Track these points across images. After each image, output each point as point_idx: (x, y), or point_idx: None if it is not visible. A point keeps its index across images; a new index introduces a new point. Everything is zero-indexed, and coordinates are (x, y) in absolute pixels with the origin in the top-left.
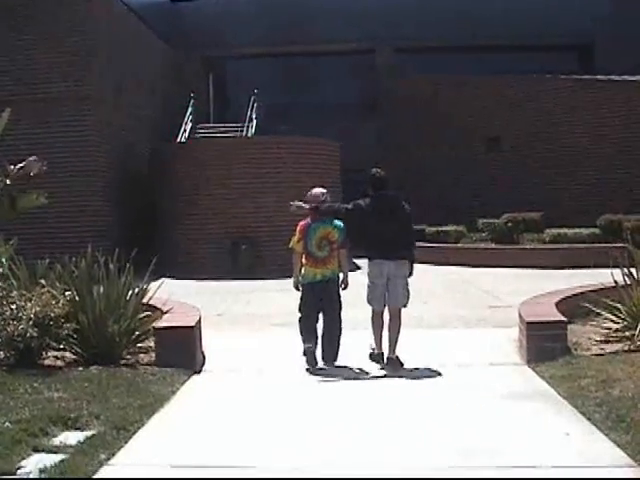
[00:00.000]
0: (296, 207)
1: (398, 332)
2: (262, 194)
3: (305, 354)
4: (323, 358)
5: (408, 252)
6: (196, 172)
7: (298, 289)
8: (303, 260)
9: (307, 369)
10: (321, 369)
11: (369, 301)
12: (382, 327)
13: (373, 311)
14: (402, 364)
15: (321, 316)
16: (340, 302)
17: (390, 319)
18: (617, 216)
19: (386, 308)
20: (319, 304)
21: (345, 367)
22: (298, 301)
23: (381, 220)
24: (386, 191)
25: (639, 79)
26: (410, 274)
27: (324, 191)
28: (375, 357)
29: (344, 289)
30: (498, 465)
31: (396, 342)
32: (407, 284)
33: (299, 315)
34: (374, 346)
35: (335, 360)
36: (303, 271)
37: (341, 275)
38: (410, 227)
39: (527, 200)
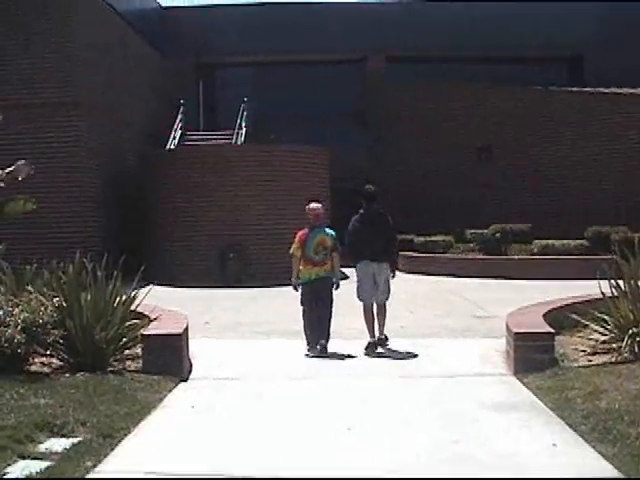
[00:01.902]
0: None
1: (384, 318)
2: (251, 202)
3: (309, 350)
4: (317, 344)
5: (389, 257)
6: (184, 179)
7: (296, 289)
8: (301, 264)
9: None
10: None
11: (359, 297)
12: (373, 319)
13: (364, 306)
14: (387, 338)
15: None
16: (332, 297)
17: (377, 311)
18: (605, 228)
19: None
20: (314, 300)
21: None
22: (297, 301)
23: (369, 231)
24: (374, 206)
25: (627, 91)
26: (393, 275)
27: (320, 205)
28: (369, 346)
29: (336, 288)
30: (484, 475)
31: (383, 325)
32: (388, 282)
33: (302, 308)
34: (371, 339)
35: (327, 340)
36: (301, 273)
37: (335, 274)
38: (392, 237)
39: (516, 211)
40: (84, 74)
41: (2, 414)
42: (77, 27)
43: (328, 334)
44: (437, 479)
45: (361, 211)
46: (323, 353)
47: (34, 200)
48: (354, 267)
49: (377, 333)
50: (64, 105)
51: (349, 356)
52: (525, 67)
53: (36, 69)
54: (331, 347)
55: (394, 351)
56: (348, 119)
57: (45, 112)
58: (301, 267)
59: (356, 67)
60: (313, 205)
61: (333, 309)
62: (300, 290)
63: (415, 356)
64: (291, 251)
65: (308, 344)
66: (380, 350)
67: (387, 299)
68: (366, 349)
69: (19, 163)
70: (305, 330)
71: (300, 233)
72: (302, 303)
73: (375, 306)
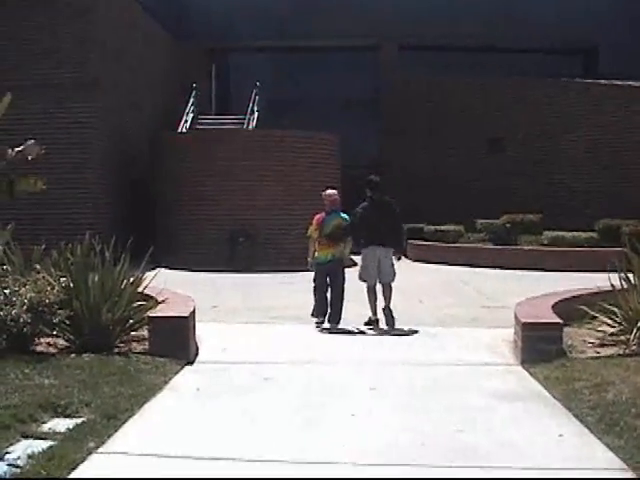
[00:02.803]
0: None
1: (390, 293)
2: (261, 187)
3: (316, 324)
4: (329, 320)
5: (394, 242)
6: (195, 163)
7: (310, 269)
8: (317, 245)
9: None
10: (326, 328)
11: (362, 278)
12: (376, 298)
13: (367, 286)
14: (392, 313)
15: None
16: (344, 277)
17: (383, 289)
18: (615, 221)
19: (378, 284)
20: (327, 278)
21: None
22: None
23: (376, 218)
24: (381, 195)
25: None
26: (399, 258)
27: (335, 192)
28: (371, 322)
29: (345, 266)
30: (490, 465)
31: (390, 298)
32: (393, 265)
33: (313, 285)
34: (372, 316)
35: (339, 322)
36: (317, 253)
37: (345, 255)
38: (397, 224)
39: (527, 202)
40: (98, 55)
41: (6, 393)
42: (93, 8)
43: (340, 316)
44: (439, 478)
45: (367, 199)
46: (336, 323)
47: (45, 180)
48: (358, 253)
49: (384, 305)
50: (78, 86)
51: (357, 342)
52: (539, 58)
53: (49, 50)
54: (339, 334)
55: (402, 339)
56: (360, 107)
57: (59, 93)
58: (317, 249)
59: (369, 55)
60: (330, 192)
61: (345, 289)
62: (315, 269)
63: (423, 344)
64: (308, 233)
65: (317, 316)
66: (381, 326)
67: (392, 280)
68: (367, 324)
69: (29, 142)
70: (315, 305)
71: (317, 217)
72: (314, 281)
73: (380, 286)
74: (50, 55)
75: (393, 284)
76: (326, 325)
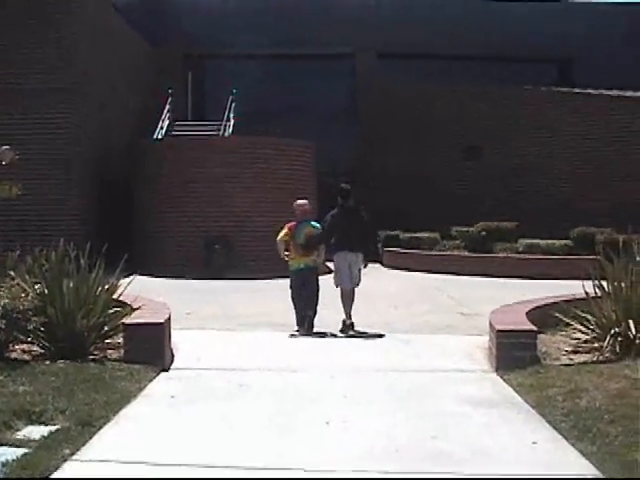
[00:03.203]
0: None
1: (353, 299)
2: (236, 194)
3: (298, 329)
4: (303, 325)
5: (363, 248)
6: (171, 169)
7: (283, 258)
8: (291, 253)
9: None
10: (302, 334)
11: (337, 284)
12: (351, 302)
13: (342, 290)
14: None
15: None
16: (317, 284)
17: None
18: (590, 229)
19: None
20: (302, 286)
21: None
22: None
23: (346, 225)
24: (350, 203)
25: (616, 93)
26: (365, 265)
27: (306, 202)
28: (345, 328)
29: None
30: (463, 473)
31: (351, 304)
32: (360, 270)
33: (290, 292)
34: (346, 320)
35: (314, 315)
36: (291, 262)
37: (318, 263)
38: (366, 230)
39: (502, 210)
40: (73, 61)
41: None
42: (67, 14)
43: (315, 311)
44: (416, 479)
45: (338, 206)
46: (309, 330)
47: (20, 186)
48: (332, 260)
49: (345, 315)
50: (51, 91)
51: (332, 349)
52: (516, 67)
53: (27, 56)
54: (314, 340)
55: (377, 346)
56: (337, 115)
57: (32, 98)
58: (291, 258)
59: (346, 62)
60: (300, 201)
61: (320, 294)
62: (290, 278)
63: (397, 351)
64: (278, 237)
65: (297, 324)
66: (351, 332)
67: (358, 285)
68: (341, 330)
69: (3, 148)
70: (296, 312)
71: (289, 225)
72: (291, 287)
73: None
74: (25, 60)
75: (371, 291)
76: (301, 330)
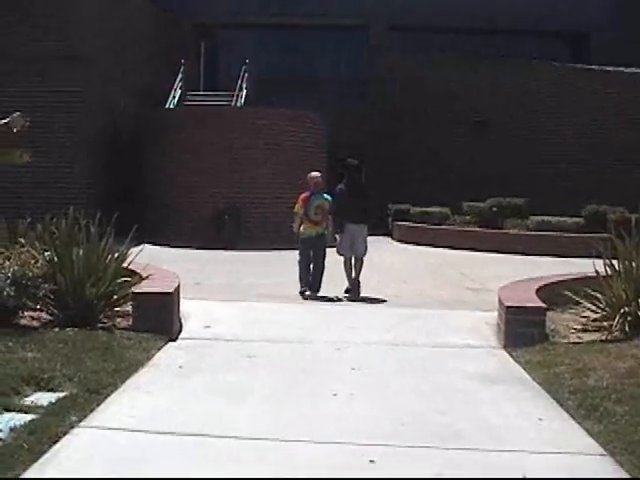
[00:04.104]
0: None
1: (361, 267)
2: (248, 165)
3: (300, 293)
4: (310, 288)
5: (366, 220)
6: (182, 139)
7: (296, 235)
8: (304, 222)
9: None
10: (308, 295)
11: (339, 252)
12: (351, 270)
13: (345, 259)
14: (359, 283)
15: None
16: (325, 252)
17: (356, 262)
18: (602, 207)
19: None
20: (311, 252)
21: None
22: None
23: (351, 199)
24: (355, 178)
25: (633, 71)
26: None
27: (319, 174)
28: (348, 290)
29: (328, 243)
30: (468, 447)
31: (360, 271)
32: (365, 240)
33: (298, 258)
34: (349, 285)
35: (318, 290)
36: (303, 229)
37: (328, 232)
38: (368, 203)
39: (514, 185)
40: (80, 28)
41: None
42: None
43: (319, 285)
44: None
45: (344, 181)
46: (315, 296)
47: (31, 153)
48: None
49: (353, 277)
50: (63, 59)
51: (342, 322)
52: (529, 41)
53: (36, 23)
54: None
55: (385, 320)
56: (349, 86)
57: (43, 66)
58: (303, 226)
59: (359, 34)
60: (313, 174)
61: (326, 262)
62: (300, 244)
63: (406, 325)
64: (295, 210)
65: (301, 286)
66: (354, 295)
67: (364, 254)
68: (345, 292)
69: (14, 115)
70: (300, 275)
71: (302, 196)
72: (300, 254)
73: (354, 259)
74: (34, 29)
75: (380, 264)
76: (308, 292)
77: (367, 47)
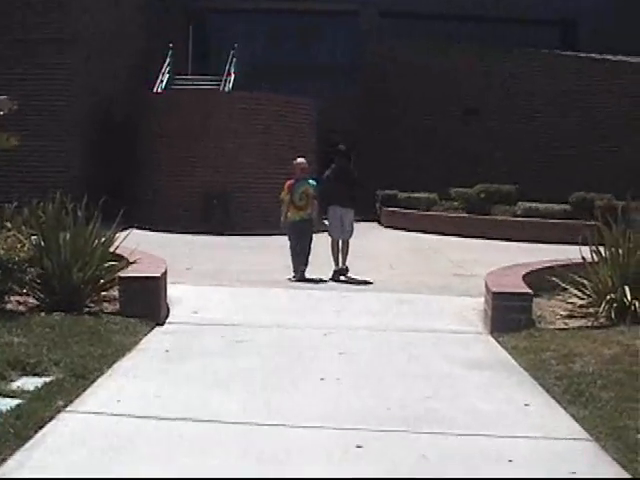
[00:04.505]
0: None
1: (347, 252)
2: (237, 149)
3: (294, 276)
4: (297, 270)
5: (353, 203)
6: (170, 123)
7: (282, 228)
8: (289, 208)
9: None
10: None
11: (330, 233)
12: (338, 252)
13: (332, 240)
14: (348, 270)
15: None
16: (311, 235)
17: (342, 245)
18: (589, 194)
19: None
20: (298, 236)
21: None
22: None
23: (338, 183)
24: (343, 163)
25: (621, 59)
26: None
27: (304, 160)
28: (335, 274)
29: (315, 228)
30: (454, 432)
31: (346, 256)
32: (352, 223)
33: (289, 243)
34: (335, 268)
35: (306, 266)
36: (289, 215)
37: (313, 217)
38: (355, 188)
39: (502, 172)
40: (73, 11)
41: None
42: None
43: (306, 262)
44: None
45: (333, 166)
46: (302, 278)
47: (18, 136)
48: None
49: (341, 264)
50: (52, 42)
51: (329, 308)
52: (519, 29)
53: (25, 6)
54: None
55: (372, 305)
56: (338, 72)
57: (34, 49)
58: (289, 212)
59: (349, 19)
60: (299, 160)
61: (312, 244)
62: (287, 229)
63: (393, 310)
64: (281, 196)
65: (294, 270)
66: (342, 278)
67: (350, 237)
68: (332, 276)
69: (1, 98)
70: (292, 258)
71: (288, 183)
72: (289, 238)
73: (341, 242)
74: (22, 11)
75: (367, 250)
76: (294, 275)
77: (358, 33)
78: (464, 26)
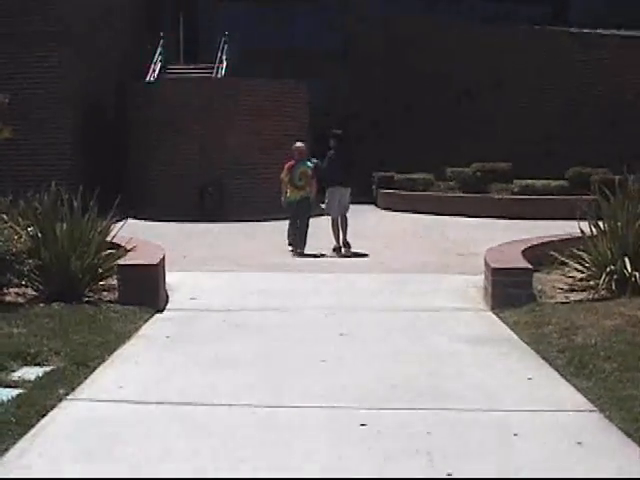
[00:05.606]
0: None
1: (346, 225)
2: (230, 136)
3: (291, 250)
4: (296, 245)
5: (350, 184)
6: (162, 112)
7: (284, 207)
8: (289, 188)
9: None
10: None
11: (328, 212)
12: (338, 229)
13: (332, 219)
14: (350, 245)
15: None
16: (310, 213)
17: (341, 221)
18: (586, 169)
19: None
20: (298, 214)
21: None
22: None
23: (338, 165)
24: (341, 146)
25: (614, 33)
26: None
27: (303, 144)
28: (335, 249)
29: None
30: (460, 407)
31: (346, 231)
32: (349, 201)
33: (289, 221)
34: (335, 244)
35: (304, 246)
36: (289, 195)
37: (311, 196)
38: (351, 169)
39: (498, 150)
40: (63, 3)
41: None
42: None
43: (305, 242)
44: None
45: (331, 152)
46: (301, 255)
47: (11, 129)
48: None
49: (342, 239)
50: (42, 35)
51: (328, 288)
52: (511, 4)
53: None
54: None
55: (372, 284)
56: (330, 54)
57: (23, 42)
58: (288, 191)
59: (340, 1)
60: (298, 144)
61: (310, 222)
62: (288, 208)
63: (393, 290)
64: (281, 176)
65: (290, 245)
66: (343, 252)
67: (347, 212)
68: (333, 250)
69: None
70: (289, 235)
71: (288, 164)
72: (289, 217)
73: (340, 218)
74: (10, 4)
75: (365, 231)
76: (291, 248)
77: (348, 14)
78: (456, 3)
